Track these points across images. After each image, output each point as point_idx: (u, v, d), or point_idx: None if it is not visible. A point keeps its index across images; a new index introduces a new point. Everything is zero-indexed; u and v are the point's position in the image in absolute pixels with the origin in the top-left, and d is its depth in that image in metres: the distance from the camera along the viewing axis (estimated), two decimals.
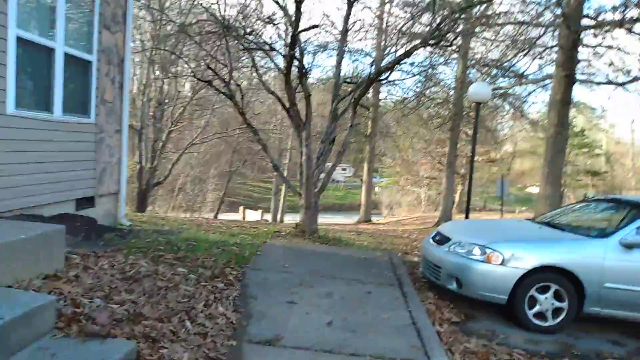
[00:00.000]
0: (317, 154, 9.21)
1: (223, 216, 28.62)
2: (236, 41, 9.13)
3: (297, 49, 8.46)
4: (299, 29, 8.01)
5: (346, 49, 10.83)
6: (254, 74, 11.95)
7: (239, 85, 9.90)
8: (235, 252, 5.86)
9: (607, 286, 4.58)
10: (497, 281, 4.67)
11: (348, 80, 11.13)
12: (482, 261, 4.75)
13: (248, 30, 8.93)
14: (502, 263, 4.67)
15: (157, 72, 20.55)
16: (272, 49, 9.17)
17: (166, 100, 20.90)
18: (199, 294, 4.09)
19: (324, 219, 27.36)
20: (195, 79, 16.05)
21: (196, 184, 30.38)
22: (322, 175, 9.52)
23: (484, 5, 11.20)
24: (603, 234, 4.90)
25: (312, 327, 3.78)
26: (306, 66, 9.79)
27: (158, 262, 4.75)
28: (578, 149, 34.61)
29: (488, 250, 4.77)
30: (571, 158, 34.23)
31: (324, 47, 15.73)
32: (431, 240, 5.67)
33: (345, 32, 9.57)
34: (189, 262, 5.00)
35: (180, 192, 29.84)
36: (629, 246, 4.64)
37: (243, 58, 16.99)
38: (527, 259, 4.64)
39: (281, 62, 9.54)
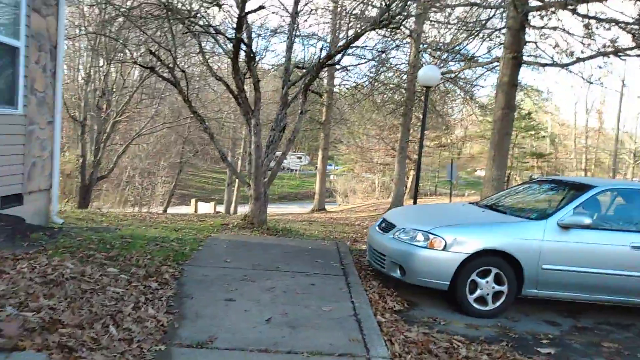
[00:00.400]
0: (267, 142, 8.98)
1: (174, 210, 27.90)
2: (180, 24, 8.72)
3: (244, 32, 8.16)
4: (246, 11, 7.71)
5: (298, 33, 10.60)
6: (202, 59, 11.52)
7: (183, 72, 9.48)
8: (174, 249, 5.60)
9: (545, 267, 4.66)
10: (440, 267, 4.65)
11: (299, 65, 10.92)
12: (425, 247, 4.73)
13: (193, 12, 8.53)
14: (445, 248, 4.66)
15: (101, 60, 19.52)
16: (218, 32, 8.80)
17: (113, 90, 19.95)
18: (129, 296, 3.83)
19: (278, 209, 27.27)
20: (138, 66, 15.39)
21: (145, 176, 29.37)
22: (273, 164, 9.32)
23: None
24: (542, 215, 4.97)
25: (249, 325, 3.61)
26: (255, 51, 9.53)
27: (87, 263, 4.43)
28: (525, 132, 35.84)
29: (431, 236, 4.75)
30: (518, 141, 35.45)
31: (274, 31, 15.42)
32: (377, 228, 5.61)
33: (295, 14, 9.31)
34: (121, 261, 4.71)
35: (127, 185, 28.78)
36: (566, 227, 4.73)
37: (189, 43, 16.44)
38: (469, 243, 4.64)
39: (230, 47, 9.20)
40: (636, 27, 9.97)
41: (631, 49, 10.09)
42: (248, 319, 3.72)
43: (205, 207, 28.89)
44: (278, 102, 9.77)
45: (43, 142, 6.38)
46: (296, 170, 49.75)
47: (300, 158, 51.87)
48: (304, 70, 9.32)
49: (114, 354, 2.92)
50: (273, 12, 14.23)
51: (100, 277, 4.07)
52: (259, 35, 19.32)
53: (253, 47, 9.46)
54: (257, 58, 12.13)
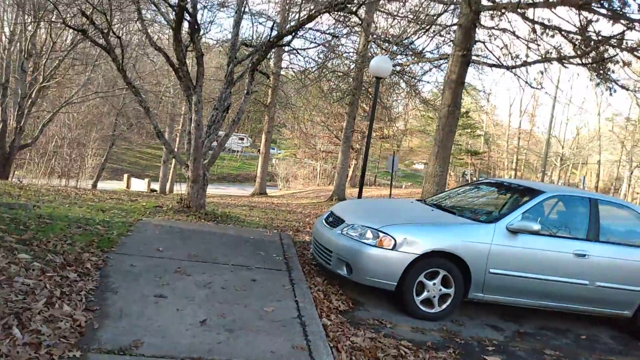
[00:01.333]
0: (209, 121, 8.44)
1: (105, 185, 26.36)
2: None
3: (188, 1, 7.54)
4: None
5: (247, 9, 10.04)
6: (140, 27, 10.66)
7: (119, 38, 8.68)
8: (99, 233, 5.04)
9: (492, 272, 4.60)
10: (388, 267, 4.47)
11: (247, 42, 10.37)
12: (374, 245, 4.52)
13: None
14: (394, 248, 4.47)
15: (28, 19, 17.72)
16: None
17: (42, 52, 18.20)
18: (41, 289, 3.32)
19: (217, 190, 26.45)
20: (70, 29, 14.07)
21: (74, 147, 27.38)
22: (214, 145, 8.81)
23: None
24: (491, 219, 4.90)
25: (181, 328, 3.23)
26: (200, 22, 8.88)
27: None
28: (462, 129, 37.06)
29: (381, 234, 4.54)
30: (455, 138, 36.71)
31: (221, 4, 14.62)
32: (324, 222, 5.34)
33: None
34: (36, 246, 4.13)
35: (55, 156, 26.72)
36: (514, 231, 4.69)
37: (128, 9, 15.28)
38: (418, 243, 4.48)
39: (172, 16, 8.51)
40: (578, 36, 10.30)
41: (574, 57, 10.42)
42: (180, 320, 3.33)
43: (138, 184, 27.51)
44: (222, 80, 9.23)
45: None
46: (238, 151, 48.62)
47: (242, 139, 50.72)
48: (252, 49, 8.84)
49: None
50: None
51: (8, 265, 3.51)
52: (205, 6, 18.36)
53: (198, 19, 8.84)
54: (202, 30, 11.45)
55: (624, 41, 9.81)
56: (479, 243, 4.60)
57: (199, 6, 10.13)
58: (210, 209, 8.46)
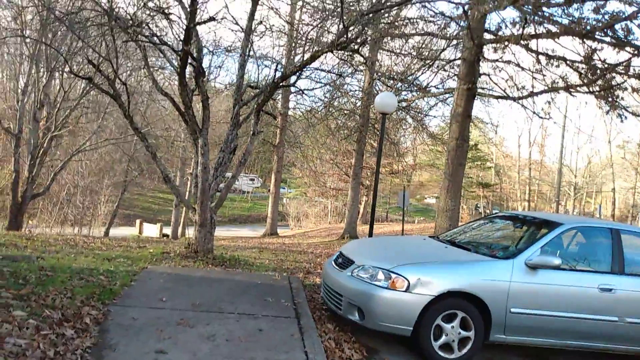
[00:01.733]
0: (215, 164, 8.39)
1: (117, 231, 26.34)
2: (124, 33, 8.07)
3: (193, 45, 7.63)
4: (195, 21, 7.20)
5: (252, 52, 10.18)
6: (146, 72, 10.83)
7: (124, 84, 8.78)
8: (102, 284, 4.87)
9: (513, 311, 4.33)
10: (403, 310, 4.22)
11: (252, 84, 10.46)
12: (387, 287, 4.29)
13: (137, 22, 7.92)
14: (408, 289, 4.24)
15: (42, 70, 18.23)
16: (163, 43, 8.20)
17: (56, 102, 18.60)
18: (34, 350, 3.13)
19: (228, 232, 26.31)
20: (78, 77, 14.37)
21: (87, 195, 27.60)
22: (222, 187, 8.72)
23: (393, 12, 11.09)
24: (509, 254, 4.67)
25: None
26: (205, 67, 8.99)
27: None
28: (472, 162, 36.85)
29: (393, 275, 4.32)
30: (465, 171, 36.45)
31: (227, 49, 14.89)
32: (333, 263, 5.12)
33: (249, 30, 8.88)
34: (34, 301, 3.97)
35: (67, 204, 26.91)
36: (534, 267, 4.44)
37: (136, 56, 15.63)
38: (433, 284, 4.25)
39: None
40: (583, 65, 10.23)
41: (581, 85, 10.33)
42: None
43: (151, 229, 27.53)
44: (229, 122, 9.24)
45: None
46: (248, 192, 48.73)
47: (252, 180, 50.93)
48: (257, 90, 8.88)
49: None
50: (228, 28, 13.71)
51: (0, 324, 3.35)
52: (212, 52, 18.73)
53: (205, 64, 8.97)
54: (209, 75, 11.61)
55: (631, 68, 9.72)
56: (498, 281, 4.35)
57: (205, 51, 10.30)
58: (219, 252, 8.28)
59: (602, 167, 44.73)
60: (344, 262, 4.91)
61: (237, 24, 10.01)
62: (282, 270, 7.45)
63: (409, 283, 4.24)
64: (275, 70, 9.27)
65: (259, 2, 8.74)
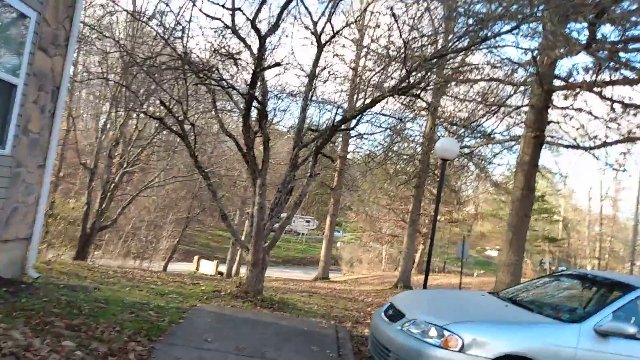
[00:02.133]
0: (272, 204, 8.49)
1: (175, 266, 27.09)
2: (195, 77, 8.56)
3: (258, 89, 7.93)
4: (262, 67, 7.51)
5: (314, 97, 10.42)
6: (214, 114, 11.36)
7: (192, 125, 9.22)
8: (150, 320, 4.91)
9: None
10: None
11: (313, 127, 10.64)
12: (439, 346, 4.01)
13: (208, 66, 8.39)
14: (462, 350, 3.94)
15: (121, 109, 19.64)
16: (231, 86, 8.59)
17: (132, 140, 19.89)
18: None
19: (281, 273, 26.31)
20: (151, 118, 15.32)
21: (151, 230, 28.79)
22: (276, 226, 8.78)
23: (458, 58, 11.02)
24: (576, 318, 4.26)
25: None
26: (269, 110, 9.27)
27: (41, 332, 3.79)
28: (538, 214, 34.99)
29: (446, 333, 4.04)
30: (530, 223, 34.60)
31: (292, 94, 15.38)
32: (383, 315, 4.89)
33: (313, 75, 9.14)
34: (83, 332, 4.05)
35: (132, 237, 28.16)
36: (604, 334, 4.01)
37: (204, 99, 16.47)
38: (491, 345, 3.92)
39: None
40: None
41: None
42: None
43: (207, 266, 28.06)
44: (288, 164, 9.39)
45: (30, 186, 5.92)
46: (303, 234, 48.89)
47: (308, 222, 51.16)
48: (317, 133, 9.00)
49: None
50: (294, 74, 14.13)
51: (49, 354, 3.42)
52: (277, 96, 19.41)
53: (269, 108, 9.25)
54: (272, 118, 11.98)
55: None
56: (562, 347, 3.95)
57: (270, 95, 10.67)
58: (268, 294, 8.22)
59: None
60: (395, 315, 4.68)
61: (302, 69, 10.32)
62: (330, 317, 7.24)
63: (463, 343, 3.95)
64: (336, 114, 9.39)
65: (324, 49, 8.99)
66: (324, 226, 27.37)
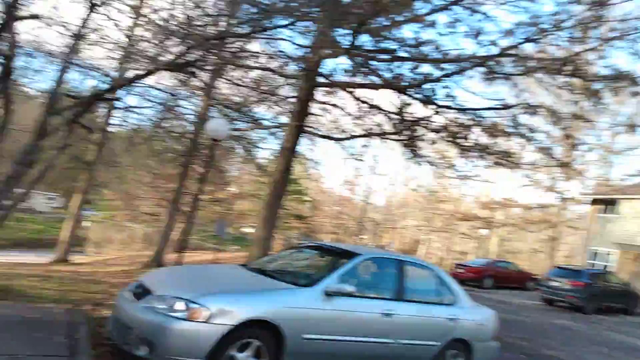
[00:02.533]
0: (5, 177, 7.05)
1: None
2: None
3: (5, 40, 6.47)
4: (14, 16, 6.09)
5: (78, 59, 9.05)
6: None
7: None
8: None
9: (306, 337, 4.37)
10: (197, 341, 3.90)
11: (71, 93, 9.20)
12: (184, 319, 3.93)
13: None
14: (208, 320, 3.95)
15: None
16: None
17: None
18: None
19: (8, 258, 22.23)
20: None
21: None
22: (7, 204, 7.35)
23: (238, 43, 10.99)
24: (310, 282, 4.75)
25: None
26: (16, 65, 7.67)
27: None
28: (291, 195, 38.34)
29: (194, 305, 3.99)
30: (283, 202, 37.67)
31: (50, 53, 12.88)
32: (129, 294, 4.55)
33: (79, 36, 7.85)
34: None
35: None
36: (331, 294, 4.59)
37: None
38: (234, 313, 4.05)
39: None
40: (396, 117, 11.54)
41: (392, 133, 11.70)
42: None
43: None
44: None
45: None
46: (46, 212, 42.40)
47: (52, 199, 44.63)
48: (77, 100, 7.85)
49: None
50: (58, 33, 11.66)
51: None
52: (30, 54, 16.27)
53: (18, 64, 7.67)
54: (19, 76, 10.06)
55: (431, 123, 11.25)
56: (297, 308, 4.38)
57: (20, 51, 8.71)
58: None
59: (398, 206, 51.08)
60: (142, 293, 4.41)
61: (68, 29, 8.79)
62: (67, 301, 6.42)
63: (210, 313, 3.97)
64: (102, 82, 8.40)
65: (96, 10, 7.89)
66: (72, 205, 24.15)
